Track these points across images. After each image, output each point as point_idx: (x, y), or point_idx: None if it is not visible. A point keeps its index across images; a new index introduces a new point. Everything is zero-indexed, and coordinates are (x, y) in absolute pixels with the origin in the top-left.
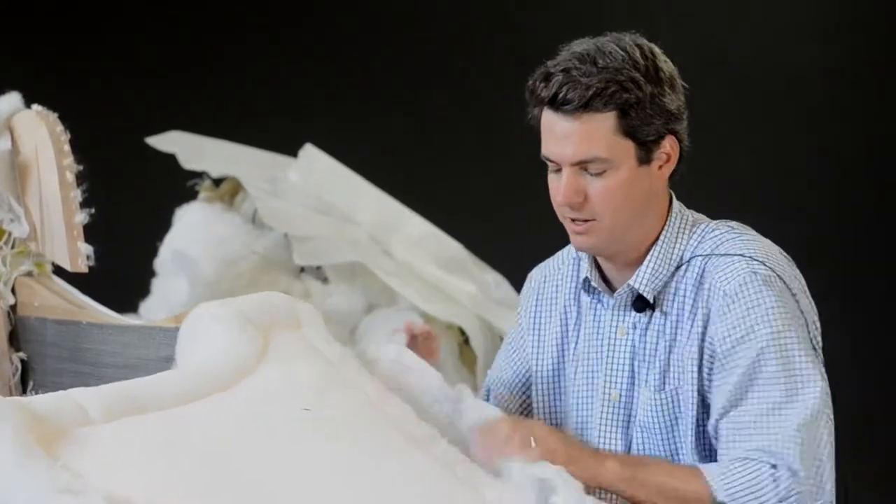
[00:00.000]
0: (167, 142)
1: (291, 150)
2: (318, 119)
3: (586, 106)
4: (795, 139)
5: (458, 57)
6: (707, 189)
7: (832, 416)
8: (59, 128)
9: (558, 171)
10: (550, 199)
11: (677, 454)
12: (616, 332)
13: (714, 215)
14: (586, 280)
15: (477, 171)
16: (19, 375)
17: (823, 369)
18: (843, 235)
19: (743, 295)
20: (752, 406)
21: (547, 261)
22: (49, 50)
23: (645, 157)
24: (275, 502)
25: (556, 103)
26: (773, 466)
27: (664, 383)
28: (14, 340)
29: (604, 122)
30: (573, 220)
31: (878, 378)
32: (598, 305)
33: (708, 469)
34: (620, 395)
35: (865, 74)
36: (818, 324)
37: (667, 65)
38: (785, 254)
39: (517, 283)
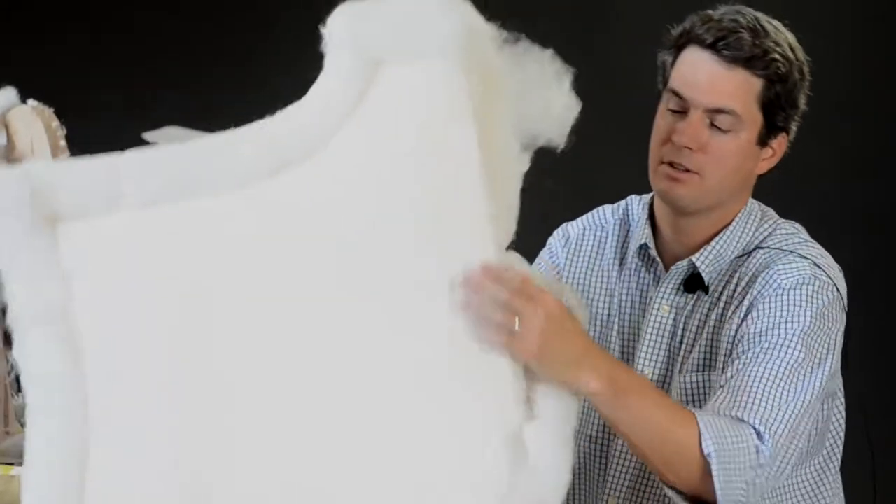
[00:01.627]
0: (164, 137)
1: None
2: None
3: (747, 61)
4: (805, 137)
5: None
6: None
7: (840, 423)
8: (56, 123)
9: (681, 112)
10: (651, 141)
11: None
12: (658, 309)
13: None
14: (643, 247)
15: None
16: (14, 375)
17: (827, 374)
18: (855, 235)
19: (797, 293)
20: (757, 379)
21: (580, 218)
22: (45, 44)
23: (765, 138)
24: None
25: (717, 47)
26: (759, 437)
27: (702, 367)
28: (9, 340)
29: (752, 84)
30: (672, 165)
31: None
32: (645, 275)
33: (702, 417)
34: (652, 374)
35: (876, 72)
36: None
37: (807, 62)
38: (840, 270)
39: None
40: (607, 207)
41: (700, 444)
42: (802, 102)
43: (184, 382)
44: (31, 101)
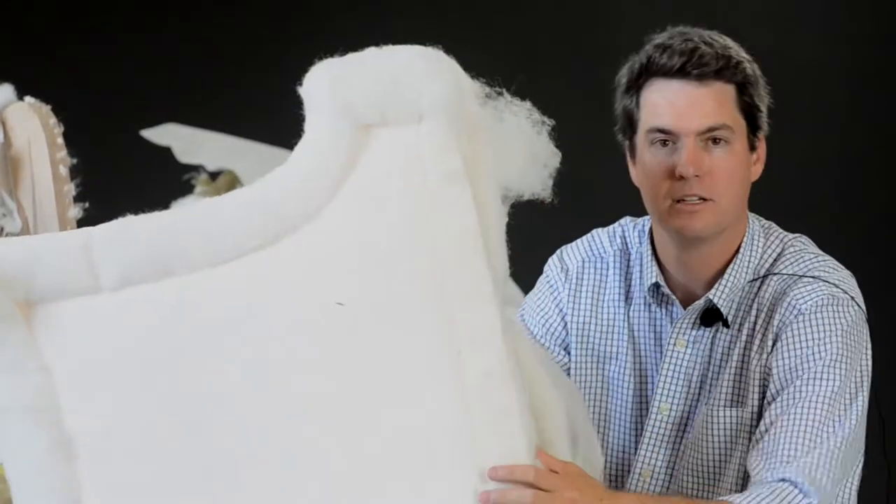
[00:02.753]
0: (163, 134)
1: (290, 143)
2: None
3: (718, 72)
4: (812, 140)
5: (459, 52)
6: None
7: (862, 447)
8: (53, 120)
9: (668, 145)
10: (646, 183)
11: (722, 478)
12: (675, 344)
13: None
14: (655, 286)
15: None
16: None
17: (865, 402)
18: (863, 238)
19: (817, 316)
20: (795, 424)
21: (575, 244)
22: (42, 41)
23: (751, 142)
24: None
25: (684, 70)
26: (803, 492)
27: (732, 402)
28: None
29: (728, 93)
30: (684, 200)
31: None
32: (656, 309)
33: (736, 500)
34: (671, 410)
35: (885, 73)
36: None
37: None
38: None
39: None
40: (603, 234)
41: None
42: (767, 98)
43: (173, 460)
44: (28, 98)
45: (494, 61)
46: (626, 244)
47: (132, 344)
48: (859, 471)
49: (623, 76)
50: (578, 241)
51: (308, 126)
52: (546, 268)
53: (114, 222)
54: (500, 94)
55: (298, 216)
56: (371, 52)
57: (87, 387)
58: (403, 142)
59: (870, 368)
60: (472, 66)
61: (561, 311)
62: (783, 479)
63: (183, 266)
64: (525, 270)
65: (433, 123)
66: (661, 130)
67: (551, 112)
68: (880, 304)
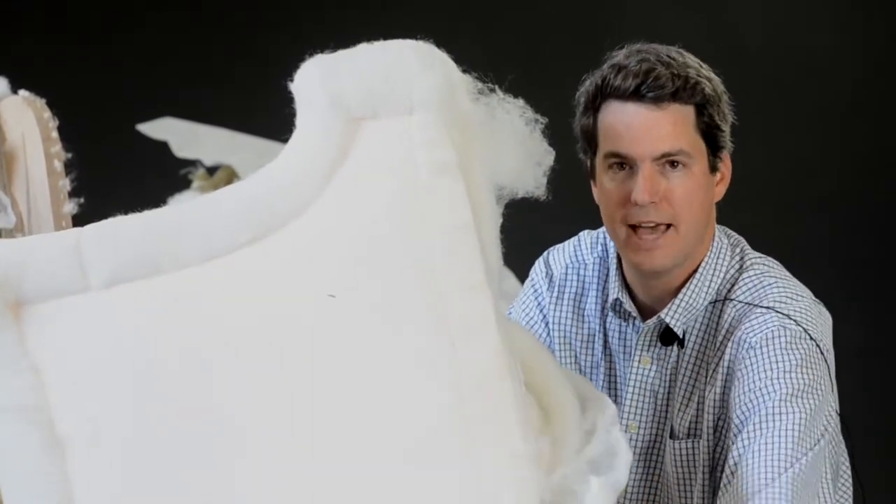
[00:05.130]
0: (160, 129)
1: (288, 138)
2: None
3: (675, 94)
4: (812, 131)
5: (460, 47)
6: None
7: (828, 478)
8: (47, 114)
9: (626, 169)
10: (603, 207)
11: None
12: (639, 361)
13: (728, 212)
14: (617, 302)
15: None
16: None
17: (832, 431)
18: (863, 232)
19: (766, 349)
20: (751, 471)
21: (562, 247)
22: (36, 34)
23: (713, 164)
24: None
25: (639, 93)
26: None
27: (690, 434)
28: None
29: (686, 115)
30: (641, 230)
31: None
32: (625, 326)
33: None
34: (640, 428)
35: (886, 64)
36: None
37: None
38: (821, 305)
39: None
40: (587, 238)
41: None
42: (730, 116)
43: (165, 459)
44: (22, 92)
45: (491, 56)
46: (607, 251)
47: (123, 342)
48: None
49: (581, 95)
50: (566, 243)
51: (299, 121)
52: (532, 271)
53: (103, 221)
54: (492, 90)
55: (289, 210)
56: (362, 47)
57: (77, 386)
58: (395, 134)
59: (831, 398)
60: (466, 61)
61: (544, 316)
62: None
63: (173, 263)
64: (525, 269)
65: (424, 116)
66: (617, 155)
67: (554, 109)
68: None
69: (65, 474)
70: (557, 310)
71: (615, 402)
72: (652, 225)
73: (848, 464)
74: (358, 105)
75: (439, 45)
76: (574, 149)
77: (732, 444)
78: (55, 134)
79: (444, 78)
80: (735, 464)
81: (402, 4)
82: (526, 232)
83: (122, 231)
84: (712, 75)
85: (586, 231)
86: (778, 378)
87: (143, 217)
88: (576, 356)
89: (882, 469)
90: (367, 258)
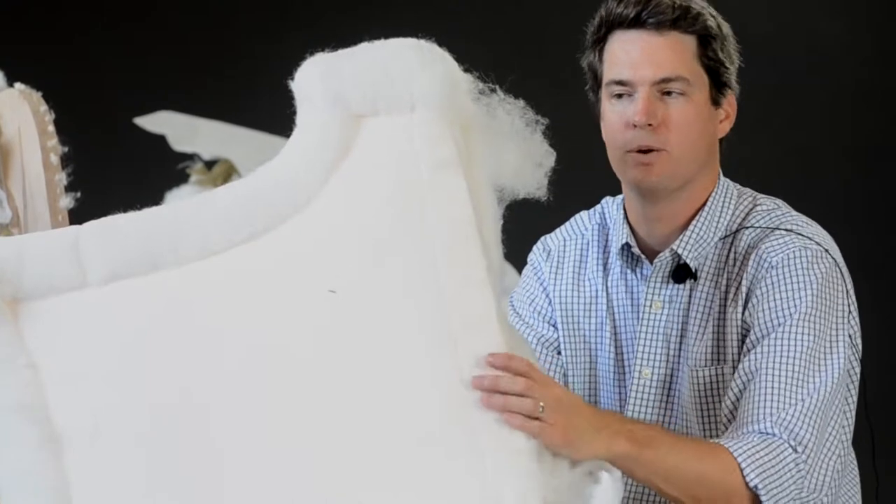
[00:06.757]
0: (157, 122)
1: (286, 131)
2: None
3: (674, 22)
4: (818, 120)
5: (458, 45)
6: (725, 173)
7: (852, 403)
8: (44, 107)
9: (623, 95)
10: (607, 139)
11: (713, 437)
12: (651, 306)
13: None
14: (626, 246)
15: None
16: None
17: (853, 355)
18: (868, 222)
19: (789, 269)
20: (773, 378)
21: (558, 229)
22: (33, 27)
23: (716, 98)
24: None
25: (640, 19)
26: (794, 449)
27: (712, 360)
28: None
29: (687, 44)
30: (639, 151)
31: None
32: (631, 276)
33: (735, 447)
34: (653, 373)
35: (893, 52)
36: (856, 317)
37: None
38: (832, 238)
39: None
40: (584, 214)
41: (743, 477)
42: (737, 58)
43: (163, 455)
44: (18, 85)
45: (492, 56)
46: (605, 219)
47: (119, 338)
48: (849, 423)
49: (588, 33)
50: (560, 227)
51: (299, 119)
52: (529, 257)
53: (102, 219)
54: (493, 90)
55: (289, 207)
56: (362, 46)
57: (75, 382)
58: (396, 131)
59: (852, 319)
60: (467, 61)
61: (545, 288)
62: (767, 433)
63: (172, 260)
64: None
65: (425, 113)
66: (619, 82)
67: (556, 109)
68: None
69: (62, 470)
70: (557, 280)
71: (621, 358)
72: (647, 150)
73: (854, 400)
74: (358, 102)
75: (441, 44)
76: (576, 148)
77: (746, 356)
78: (52, 127)
79: (445, 76)
80: (749, 377)
81: (403, 2)
82: (526, 230)
83: (120, 228)
84: (717, 14)
85: (582, 212)
86: (799, 295)
87: (141, 215)
88: (578, 324)
89: None
90: (368, 254)
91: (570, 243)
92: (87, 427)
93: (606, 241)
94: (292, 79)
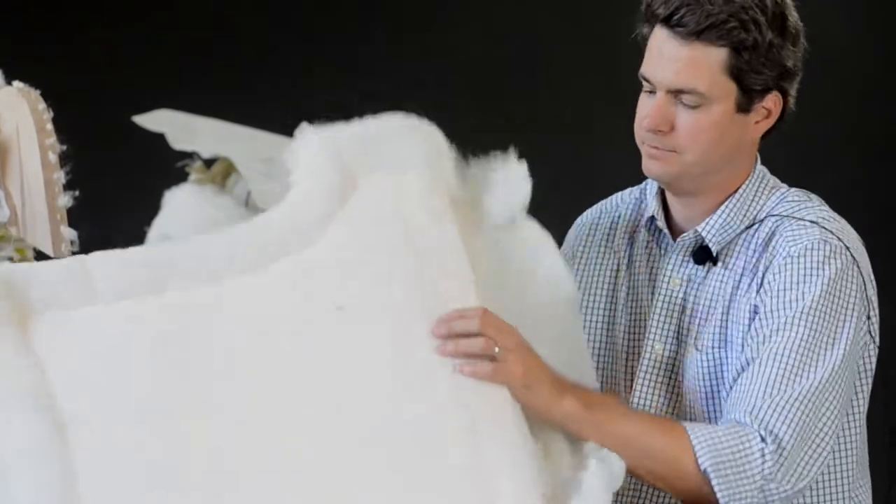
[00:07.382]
0: (156, 120)
1: (286, 131)
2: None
3: (699, 34)
4: (828, 120)
5: (458, 43)
6: None
7: (862, 402)
8: (42, 105)
9: (652, 92)
10: (635, 120)
11: (715, 421)
12: (669, 282)
13: None
14: (651, 219)
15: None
16: None
17: (867, 354)
18: (877, 222)
19: (803, 259)
20: (763, 369)
21: (601, 202)
22: (32, 24)
23: (745, 105)
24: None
25: (671, 22)
26: (763, 439)
27: (719, 344)
28: None
29: (713, 56)
30: (652, 145)
31: None
32: (656, 250)
33: (693, 429)
34: (664, 350)
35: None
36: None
37: (794, 17)
38: (859, 238)
39: None
40: (627, 190)
41: (696, 460)
42: (791, 60)
43: (166, 454)
44: (16, 83)
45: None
46: (645, 194)
47: (126, 353)
48: (860, 431)
49: (642, 4)
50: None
51: (295, 178)
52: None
53: (109, 251)
54: (480, 158)
55: (293, 243)
56: (356, 122)
57: (82, 386)
58: (391, 185)
59: (857, 317)
60: (472, 57)
61: (574, 256)
62: (739, 422)
63: (178, 285)
64: None
65: (419, 171)
66: (643, 77)
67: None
68: None
69: (69, 456)
70: (586, 247)
71: (635, 332)
72: (657, 147)
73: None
74: (355, 161)
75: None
76: (576, 149)
77: (747, 344)
78: (50, 126)
79: (432, 143)
80: (742, 368)
81: (396, 5)
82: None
83: (128, 257)
84: (772, 18)
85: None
86: (808, 288)
87: (146, 248)
88: (596, 292)
89: None
90: (368, 279)
91: (604, 216)
92: (93, 420)
93: (640, 213)
94: (292, 78)
